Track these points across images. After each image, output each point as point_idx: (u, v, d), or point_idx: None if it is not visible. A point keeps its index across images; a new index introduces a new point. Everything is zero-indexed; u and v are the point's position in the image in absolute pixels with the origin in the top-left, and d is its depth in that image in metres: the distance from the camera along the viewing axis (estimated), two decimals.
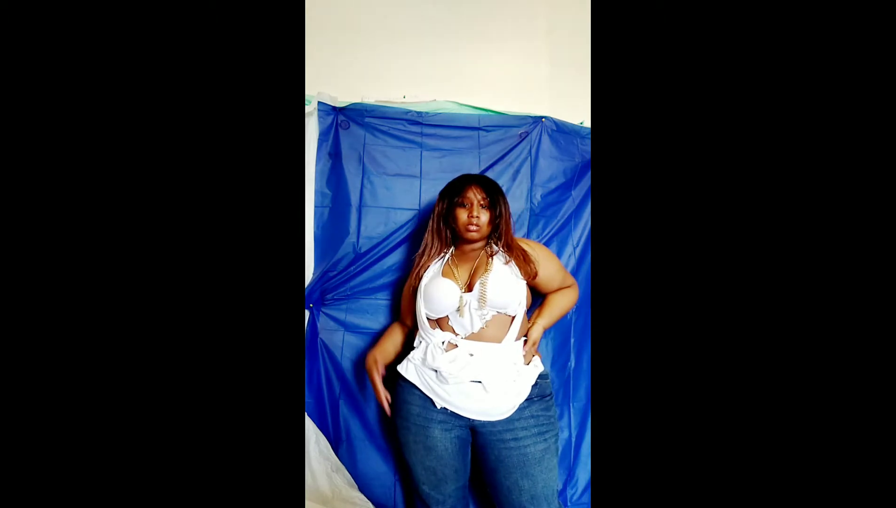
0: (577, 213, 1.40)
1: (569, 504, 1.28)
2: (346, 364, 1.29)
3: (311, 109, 1.31)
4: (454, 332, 1.00)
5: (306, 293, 1.26)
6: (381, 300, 1.32)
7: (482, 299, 0.97)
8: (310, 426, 1.22)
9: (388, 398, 1.06)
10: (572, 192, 1.41)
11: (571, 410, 1.33)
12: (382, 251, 1.32)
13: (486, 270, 1.01)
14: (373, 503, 1.21)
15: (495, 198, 1.08)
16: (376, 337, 1.30)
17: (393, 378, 1.10)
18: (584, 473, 1.31)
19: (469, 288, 1.01)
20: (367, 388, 1.29)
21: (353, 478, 1.24)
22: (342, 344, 1.30)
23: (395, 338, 1.17)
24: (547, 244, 1.38)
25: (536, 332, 1.03)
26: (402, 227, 1.33)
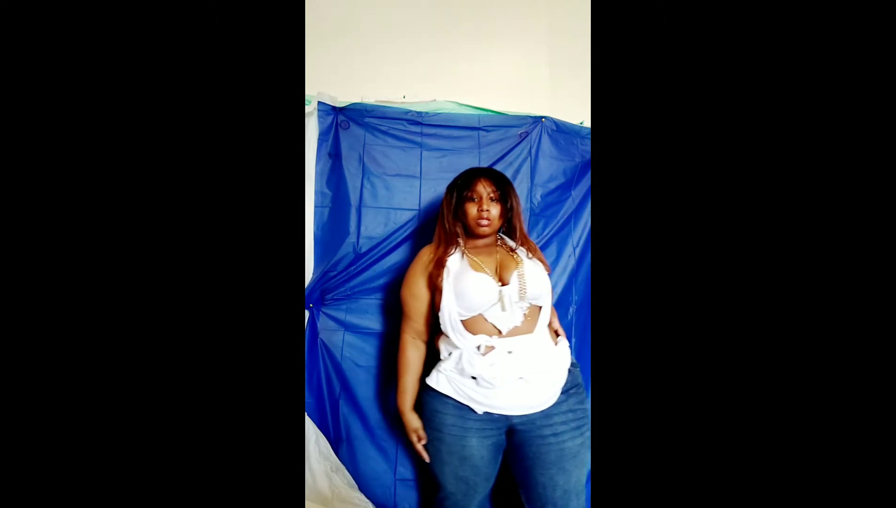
0: (577, 213, 1.40)
1: None
2: (346, 364, 1.29)
3: (311, 109, 1.31)
4: (490, 332, 0.95)
5: (306, 293, 1.26)
6: (381, 300, 1.32)
7: (522, 292, 0.95)
8: (310, 426, 1.22)
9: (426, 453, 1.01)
10: (572, 192, 1.41)
11: None
12: (382, 251, 1.32)
13: (516, 263, 1.00)
14: (373, 503, 1.22)
15: (505, 191, 1.05)
16: (379, 338, 1.30)
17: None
18: None
19: (501, 281, 0.98)
20: (367, 388, 1.29)
21: (353, 478, 1.24)
22: (342, 344, 1.30)
23: (417, 365, 1.06)
24: (547, 244, 1.38)
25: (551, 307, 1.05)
26: (402, 227, 1.33)
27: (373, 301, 1.32)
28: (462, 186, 1.06)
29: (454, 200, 1.06)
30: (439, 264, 1.01)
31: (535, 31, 1.55)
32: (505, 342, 0.94)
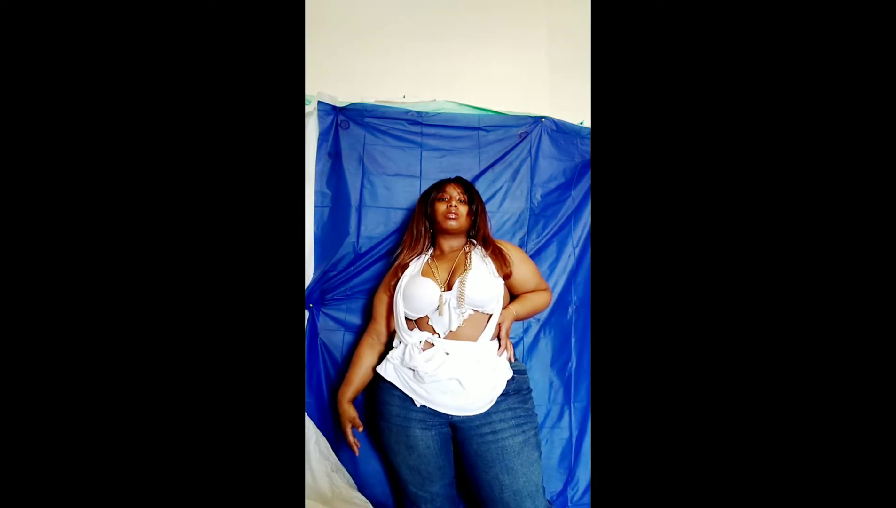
0: (577, 213, 1.40)
1: (569, 504, 1.28)
2: (347, 364, 1.29)
3: (311, 109, 1.31)
4: (433, 331, 1.02)
5: (306, 293, 1.26)
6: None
7: (461, 297, 0.99)
8: (310, 427, 1.22)
9: (358, 444, 1.06)
10: (572, 192, 1.41)
11: (572, 410, 1.33)
12: (382, 251, 1.32)
13: (465, 268, 1.04)
14: (373, 503, 1.21)
15: (472, 195, 1.15)
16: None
17: (373, 380, 1.11)
18: (584, 473, 1.31)
19: (448, 287, 1.04)
20: (367, 388, 1.29)
21: (353, 478, 1.24)
22: (342, 344, 1.30)
23: (367, 362, 1.13)
24: (547, 244, 1.38)
25: (507, 315, 1.04)
26: (402, 227, 1.33)
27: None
28: (433, 190, 1.16)
29: (426, 204, 1.15)
30: (398, 269, 1.11)
31: (535, 31, 1.56)
32: (444, 344, 1.00)
